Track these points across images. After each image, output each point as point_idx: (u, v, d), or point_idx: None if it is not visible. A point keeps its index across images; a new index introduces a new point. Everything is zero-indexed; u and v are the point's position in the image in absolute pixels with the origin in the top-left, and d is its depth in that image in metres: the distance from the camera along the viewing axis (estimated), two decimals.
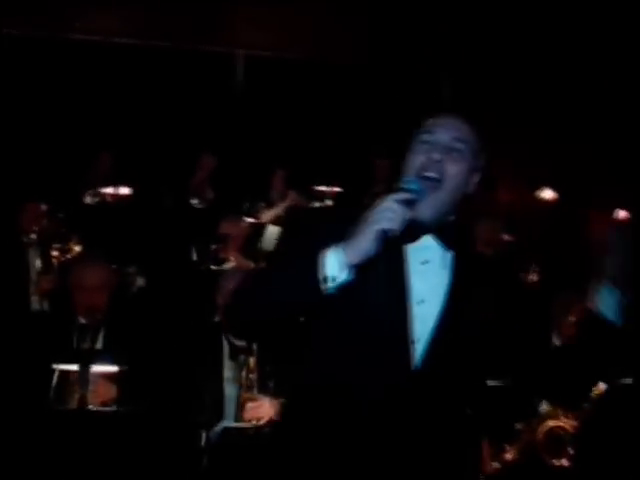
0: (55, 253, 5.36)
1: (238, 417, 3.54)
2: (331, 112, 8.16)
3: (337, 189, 7.03)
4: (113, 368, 3.51)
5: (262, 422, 3.45)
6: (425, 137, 2.07)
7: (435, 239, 2.06)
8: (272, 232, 6.42)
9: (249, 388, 3.56)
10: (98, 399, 3.41)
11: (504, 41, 7.63)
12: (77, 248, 5.45)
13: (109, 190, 6.48)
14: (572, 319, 4.12)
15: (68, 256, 5.38)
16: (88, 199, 6.46)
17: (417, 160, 2.04)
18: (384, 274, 1.99)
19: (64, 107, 7.51)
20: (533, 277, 5.84)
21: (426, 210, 2.00)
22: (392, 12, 8.02)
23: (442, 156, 2.03)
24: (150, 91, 7.84)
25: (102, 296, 3.91)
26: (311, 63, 8.17)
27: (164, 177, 6.89)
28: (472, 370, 2.09)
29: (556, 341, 4.23)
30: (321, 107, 8.20)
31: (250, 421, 3.47)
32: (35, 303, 5.23)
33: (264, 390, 3.57)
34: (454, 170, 2.04)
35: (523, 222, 6.88)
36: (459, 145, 2.05)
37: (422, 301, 2.02)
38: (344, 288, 1.89)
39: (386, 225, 1.86)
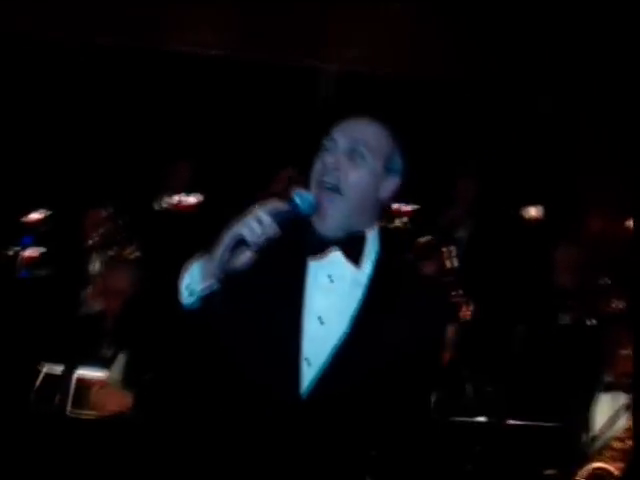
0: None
1: None
2: (417, 128, 7.94)
3: (411, 207, 6.80)
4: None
5: None
6: (325, 143, 1.91)
7: (343, 255, 1.87)
8: None
9: None
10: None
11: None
12: (133, 254, 5.47)
13: (180, 198, 6.51)
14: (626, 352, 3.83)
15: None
16: (159, 205, 6.52)
17: (316, 168, 1.89)
18: (280, 289, 1.84)
19: (146, 115, 7.61)
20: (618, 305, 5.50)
21: (326, 222, 1.85)
22: (488, 27, 7.75)
23: (340, 162, 1.87)
24: (237, 103, 7.86)
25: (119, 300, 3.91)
26: (401, 78, 8.01)
27: (240, 188, 6.87)
28: (375, 403, 1.84)
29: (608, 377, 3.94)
30: (407, 123, 7.99)
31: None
32: (94, 306, 5.30)
33: None
34: (355, 176, 1.88)
35: (610, 252, 6.47)
36: (360, 149, 1.89)
37: (322, 321, 1.83)
38: (232, 300, 1.76)
39: (245, 234, 1.74)
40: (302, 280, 1.86)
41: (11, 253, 5.56)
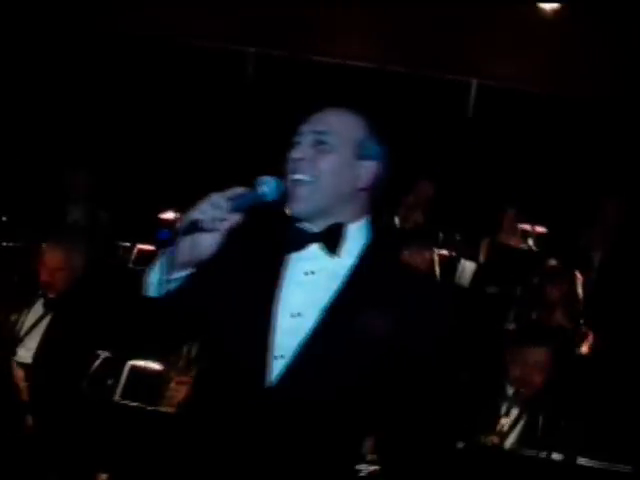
0: None
1: None
2: (557, 146, 7.72)
3: (542, 229, 6.61)
4: None
5: None
6: (293, 139, 1.90)
7: (322, 247, 1.86)
8: (469, 268, 6.20)
9: None
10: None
11: None
12: None
13: None
14: None
15: None
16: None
17: (288, 165, 1.88)
18: (256, 284, 1.85)
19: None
20: None
21: (302, 213, 1.85)
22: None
23: (307, 153, 1.86)
24: (379, 114, 7.86)
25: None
26: (543, 95, 7.80)
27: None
28: (348, 402, 1.79)
29: None
30: (547, 140, 7.78)
31: None
32: None
33: None
34: (322, 164, 1.85)
35: None
36: (325, 138, 1.86)
37: (298, 314, 1.82)
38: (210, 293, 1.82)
39: (198, 217, 1.75)
40: (277, 274, 1.85)
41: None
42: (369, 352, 1.79)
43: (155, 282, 1.82)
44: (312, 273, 1.85)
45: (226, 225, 1.79)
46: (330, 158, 1.87)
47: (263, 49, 8.18)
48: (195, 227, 1.76)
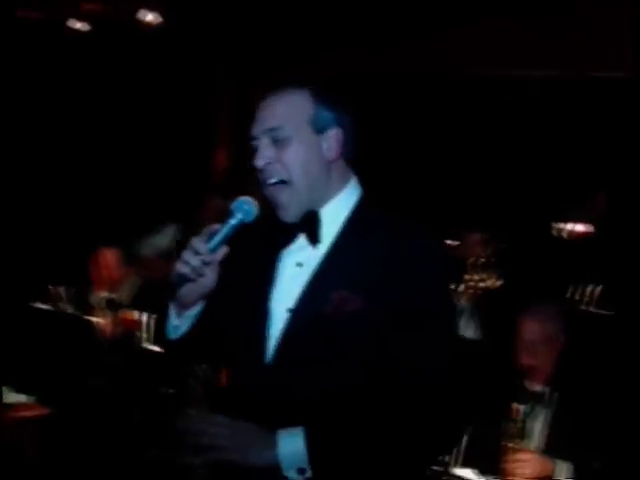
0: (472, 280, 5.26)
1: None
2: None
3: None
4: None
5: None
6: (252, 145, 1.91)
7: (306, 237, 1.90)
8: None
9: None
10: None
11: None
12: (495, 282, 5.27)
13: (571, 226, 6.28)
14: None
15: (482, 285, 5.24)
16: (555, 232, 6.33)
17: (257, 173, 1.90)
18: (253, 283, 1.94)
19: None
20: None
21: (288, 212, 1.88)
22: None
23: (268, 155, 1.86)
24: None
25: None
26: None
27: None
28: (340, 379, 1.81)
29: None
30: None
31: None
32: None
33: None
34: (288, 159, 1.85)
35: None
36: (277, 134, 1.85)
37: (291, 307, 1.87)
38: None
39: (183, 269, 1.85)
40: (272, 271, 1.91)
41: None
42: (353, 326, 1.80)
43: (171, 327, 1.98)
44: (301, 265, 1.89)
45: (216, 261, 1.87)
46: (292, 150, 1.86)
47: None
48: (185, 279, 1.88)
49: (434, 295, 1.83)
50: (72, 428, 4.15)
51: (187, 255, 1.85)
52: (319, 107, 1.87)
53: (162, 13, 7.32)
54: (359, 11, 7.34)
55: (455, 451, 3.05)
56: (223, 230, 1.88)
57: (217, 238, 1.87)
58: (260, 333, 1.88)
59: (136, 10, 7.27)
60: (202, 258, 1.84)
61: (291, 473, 1.75)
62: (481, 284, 5.18)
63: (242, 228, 1.90)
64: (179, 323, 1.96)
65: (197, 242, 1.86)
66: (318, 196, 1.89)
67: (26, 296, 5.00)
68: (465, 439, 3.09)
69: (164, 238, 6.06)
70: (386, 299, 1.79)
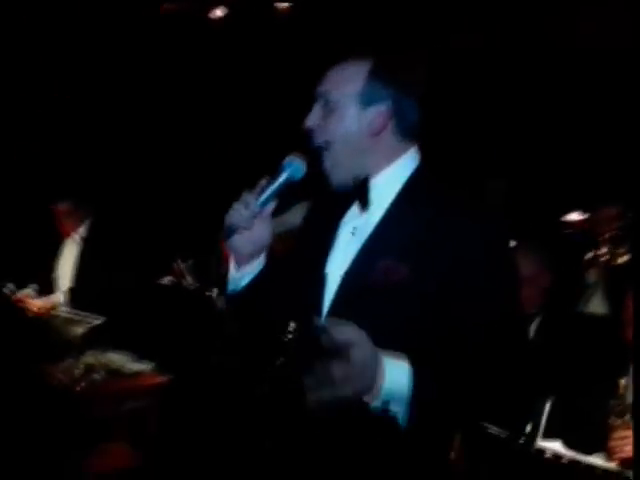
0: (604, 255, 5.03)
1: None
2: None
3: None
4: None
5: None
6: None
7: (358, 204, 1.96)
8: None
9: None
10: None
11: None
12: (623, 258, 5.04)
13: None
14: None
15: (616, 261, 5.02)
16: None
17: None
18: (311, 252, 1.99)
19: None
20: None
21: (332, 179, 1.94)
22: None
23: (316, 120, 1.94)
24: None
25: None
26: None
27: None
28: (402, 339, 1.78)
29: None
30: None
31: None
32: None
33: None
34: (332, 127, 1.91)
35: None
36: (328, 97, 1.92)
37: (344, 274, 1.92)
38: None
39: (233, 221, 1.95)
40: (332, 238, 1.96)
41: None
42: (399, 295, 1.81)
43: (231, 279, 2.07)
44: (354, 232, 1.95)
45: (265, 216, 2.00)
46: (335, 118, 1.92)
47: None
48: (234, 230, 1.97)
49: (486, 267, 1.81)
50: (191, 397, 4.27)
51: (237, 206, 1.96)
52: (372, 81, 1.91)
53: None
54: None
55: (545, 424, 2.93)
56: (272, 186, 1.97)
57: (266, 194, 1.97)
58: (317, 297, 1.93)
59: None
60: (251, 210, 1.94)
61: (377, 403, 1.70)
62: (615, 260, 4.93)
63: (317, 197, 2.03)
64: (239, 276, 2.04)
65: (248, 196, 1.96)
66: (363, 165, 1.93)
67: (153, 272, 5.18)
68: (561, 413, 3.00)
69: (295, 216, 6.11)
70: (436, 270, 1.79)
